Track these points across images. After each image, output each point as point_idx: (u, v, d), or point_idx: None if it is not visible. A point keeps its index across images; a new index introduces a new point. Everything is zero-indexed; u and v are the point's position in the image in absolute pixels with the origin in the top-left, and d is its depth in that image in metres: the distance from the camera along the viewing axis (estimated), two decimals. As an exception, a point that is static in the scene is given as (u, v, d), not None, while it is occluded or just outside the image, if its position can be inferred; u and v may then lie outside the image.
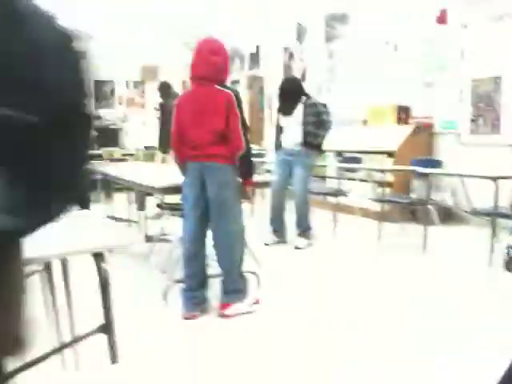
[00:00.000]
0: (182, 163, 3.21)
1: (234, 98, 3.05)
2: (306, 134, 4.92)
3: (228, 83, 3.24)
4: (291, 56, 9.03)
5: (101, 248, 1.55)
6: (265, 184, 4.28)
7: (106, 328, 1.56)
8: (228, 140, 3.04)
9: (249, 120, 10.29)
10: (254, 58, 10.05)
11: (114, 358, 1.58)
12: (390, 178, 6.31)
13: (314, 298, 3.51)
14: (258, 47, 9.89)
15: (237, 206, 3.18)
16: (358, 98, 7.60)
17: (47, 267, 2.13)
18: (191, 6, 8.60)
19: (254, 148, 8.57)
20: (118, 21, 8.43)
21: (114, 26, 8.54)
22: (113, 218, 6.13)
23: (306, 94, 5.09)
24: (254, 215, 6.45)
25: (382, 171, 6.26)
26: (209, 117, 3.04)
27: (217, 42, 3.15)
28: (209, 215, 3.14)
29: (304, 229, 5.06)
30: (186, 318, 3.10)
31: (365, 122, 7.46)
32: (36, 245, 1.48)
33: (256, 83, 10.02)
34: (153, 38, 9.34)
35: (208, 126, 3.03)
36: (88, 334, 1.59)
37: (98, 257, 1.54)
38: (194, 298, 3.17)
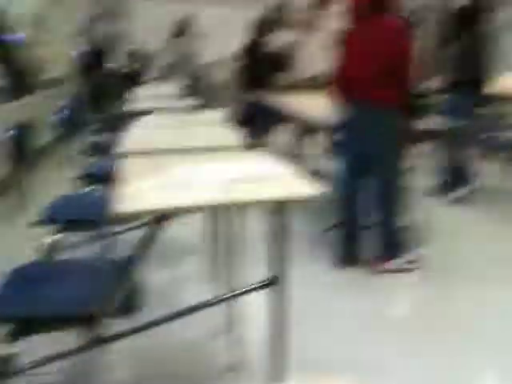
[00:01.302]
0: (342, 102, 3.02)
1: (406, 25, 2.80)
2: None
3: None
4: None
5: (284, 198, 1.51)
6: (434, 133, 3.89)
7: (276, 281, 1.56)
8: (395, 79, 2.77)
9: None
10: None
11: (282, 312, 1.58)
12: None
13: (478, 261, 3.20)
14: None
15: (397, 153, 2.96)
16: None
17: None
18: None
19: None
20: None
21: None
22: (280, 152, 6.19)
23: None
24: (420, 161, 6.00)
25: None
26: (376, 48, 2.79)
27: None
28: (364, 161, 2.97)
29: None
30: (338, 267, 3.05)
31: None
32: (212, 190, 1.52)
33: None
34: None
35: (375, 59, 2.78)
36: (258, 287, 1.60)
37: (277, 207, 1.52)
38: (349, 245, 3.08)
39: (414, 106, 3.00)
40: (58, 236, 2.16)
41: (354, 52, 2.90)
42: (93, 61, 7.41)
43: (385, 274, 2.96)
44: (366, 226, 3.13)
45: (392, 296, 2.79)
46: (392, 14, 2.82)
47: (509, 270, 3.06)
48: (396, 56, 2.74)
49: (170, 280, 2.98)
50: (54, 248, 2.12)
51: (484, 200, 4.52)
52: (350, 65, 2.91)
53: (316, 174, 4.46)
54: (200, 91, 6.63)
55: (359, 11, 2.88)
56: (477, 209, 4.37)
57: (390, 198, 2.99)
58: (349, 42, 2.97)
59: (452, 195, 4.49)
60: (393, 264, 2.98)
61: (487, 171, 4.97)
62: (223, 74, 8.99)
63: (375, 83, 2.80)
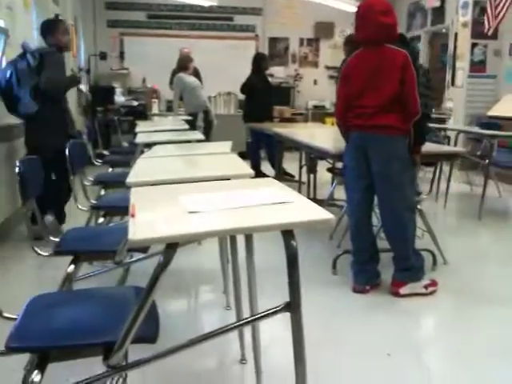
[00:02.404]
0: (346, 131, 3.04)
1: (410, 57, 2.76)
2: None
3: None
4: (482, 11, 8.09)
5: (292, 226, 1.48)
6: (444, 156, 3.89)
7: (292, 306, 1.52)
8: (401, 107, 2.79)
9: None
10: (438, 13, 9.22)
11: (298, 338, 1.53)
12: None
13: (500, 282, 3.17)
14: (443, 1, 9.04)
15: (405, 179, 2.93)
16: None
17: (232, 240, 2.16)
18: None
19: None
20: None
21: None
22: (286, 173, 6.22)
23: None
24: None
25: None
26: (381, 80, 2.80)
27: (385, 0, 2.87)
28: (372, 187, 2.96)
29: None
30: (356, 292, 3.02)
31: None
32: (221, 217, 1.51)
33: (438, 40, 9.23)
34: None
35: (381, 91, 2.80)
36: (272, 313, 1.56)
37: (288, 233, 1.49)
38: (365, 272, 3.05)
39: (423, 130, 2.98)
40: (73, 267, 2.14)
41: (359, 80, 2.91)
42: (98, 98, 7.50)
43: (404, 299, 2.92)
44: (382, 250, 3.11)
45: (412, 320, 2.73)
46: (394, 44, 2.84)
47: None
48: (402, 83, 2.75)
49: (185, 308, 2.95)
50: (69, 279, 2.09)
51: (500, 220, 4.53)
52: (356, 93, 2.92)
53: (326, 201, 4.53)
54: (204, 124, 6.66)
55: (363, 42, 2.91)
56: (493, 229, 4.38)
57: (401, 222, 2.95)
58: (353, 72, 2.97)
59: None
60: (408, 288, 2.94)
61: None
62: (226, 107, 9.13)
63: (382, 110, 2.82)
